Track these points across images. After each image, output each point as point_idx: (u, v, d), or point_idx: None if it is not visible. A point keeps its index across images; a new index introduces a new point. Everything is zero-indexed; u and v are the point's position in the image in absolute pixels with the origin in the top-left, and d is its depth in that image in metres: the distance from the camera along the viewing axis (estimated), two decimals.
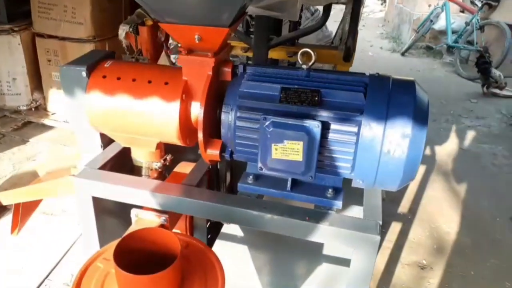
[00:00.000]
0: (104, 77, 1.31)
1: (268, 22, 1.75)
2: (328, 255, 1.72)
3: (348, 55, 1.66)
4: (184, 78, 1.26)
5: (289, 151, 1.06)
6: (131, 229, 1.21)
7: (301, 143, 1.05)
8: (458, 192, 3.33)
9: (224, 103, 1.21)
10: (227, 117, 1.20)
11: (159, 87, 1.26)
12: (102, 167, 1.34)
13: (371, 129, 1.07)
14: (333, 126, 1.08)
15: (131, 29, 3.38)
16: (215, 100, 1.24)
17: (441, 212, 3.06)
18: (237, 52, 2.01)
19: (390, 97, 1.09)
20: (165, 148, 1.48)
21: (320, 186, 1.21)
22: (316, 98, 1.12)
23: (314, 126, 1.04)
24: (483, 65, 5.85)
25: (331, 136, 1.09)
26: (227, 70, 1.23)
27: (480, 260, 2.62)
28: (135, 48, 3.50)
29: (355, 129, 1.08)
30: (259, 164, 1.13)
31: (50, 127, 3.72)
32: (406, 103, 1.08)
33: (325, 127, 1.08)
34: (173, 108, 1.24)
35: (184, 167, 1.49)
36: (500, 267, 2.58)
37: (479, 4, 6.67)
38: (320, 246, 1.78)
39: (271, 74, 1.21)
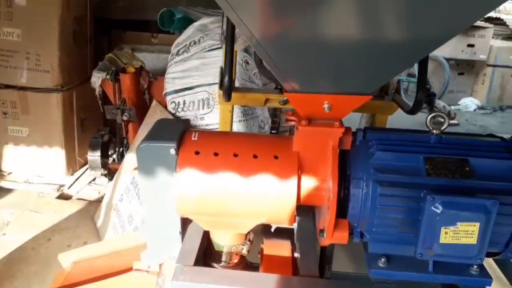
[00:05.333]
0: (197, 153, 1.09)
1: None
2: None
3: (418, 108, 1.60)
4: (295, 149, 1.09)
5: (461, 234, 0.93)
6: None
7: (478, 224, 0.92)
8: None
9: (353, 178, 1.05)
10: (360, 193, 1.04)
11: (268, 163, 1.08)
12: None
13: None
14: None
15: (108, 77, 3.10)
16: None
17: None
18: (275, 105, 1.86)
19: None
20: None
21: (460, 263, 1.08)
22: (467, 168, 1.01)
23: (491, 204, 0.92)
24: (428, 96, 6.23)
25: None
26: (348, 138, 1.08)
27: None
28: (112, 96, 3.20)
29: None
30: (420, 250, 0.97)
31: (8, 190, 3.22)
32: None
33: None
34: (290, 186, 1.06)
35: (273, 248, 1.29)
36: None
37: None
38: None
39: (402, 141, 1.08)
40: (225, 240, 1.23)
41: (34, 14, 3.06)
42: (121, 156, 3.32)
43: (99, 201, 3.09)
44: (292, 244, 1.32)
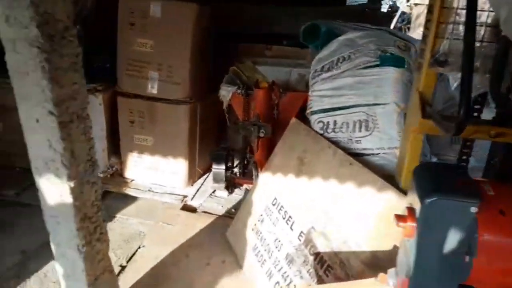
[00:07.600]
0: (502, 213, 0.93)
1: None
2: None
3: None
4: None
5: None
6: None
7: None
8: None
9: None
10: None
11: None
12: None
13: None
14: None
15: (239, 91, 3.04)
16: None
17: None
18: (482, 137, 1.66)
19: None
20: None
21: None
22: None
23: None
24: None
25: None
26: None
27: None
28: (241, 111, 3.14)
29: None
30: None
31: (133, 198, 3.25)
32: None
33: None
34: None
35: None
36: None
37: None
38: None
39: None
40: None
41: (168, 25, 3.06)
42: (243, 170, 3.26)
43: (224, 216, 3.03)
44: None
